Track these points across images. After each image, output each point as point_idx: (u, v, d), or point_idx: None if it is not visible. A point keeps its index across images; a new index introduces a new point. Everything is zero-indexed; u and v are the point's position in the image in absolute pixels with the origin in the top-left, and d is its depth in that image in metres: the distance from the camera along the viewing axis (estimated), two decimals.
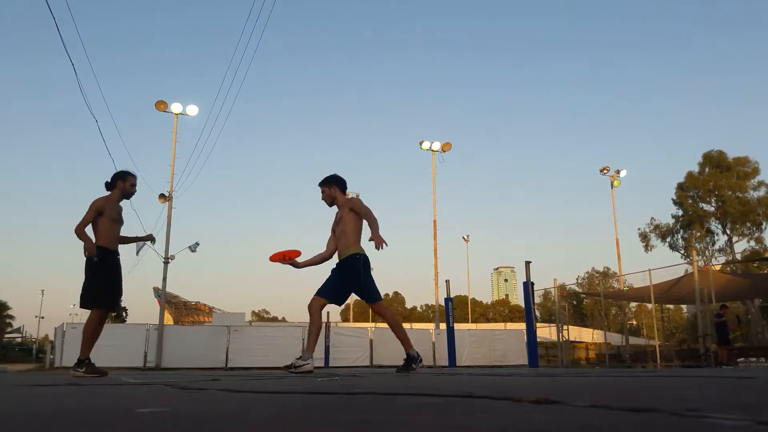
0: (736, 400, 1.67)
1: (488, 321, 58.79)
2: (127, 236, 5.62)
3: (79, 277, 5.21)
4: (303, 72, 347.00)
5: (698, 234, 33.69)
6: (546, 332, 23.96)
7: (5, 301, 53.76)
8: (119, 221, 5.41)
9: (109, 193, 5.44)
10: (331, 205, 5.49)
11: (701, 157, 34.53)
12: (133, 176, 5.56)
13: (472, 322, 47.27)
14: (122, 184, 5.46)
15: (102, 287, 5.17)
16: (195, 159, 42.76)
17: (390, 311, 5.48)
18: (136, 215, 22.88)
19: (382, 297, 5.49)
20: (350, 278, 5.15)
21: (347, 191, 5.73)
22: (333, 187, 5.43)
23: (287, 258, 5.36)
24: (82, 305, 5.20)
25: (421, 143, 24.06)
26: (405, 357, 5.15)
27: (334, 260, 5.42)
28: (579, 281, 48.18)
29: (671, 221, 35.33)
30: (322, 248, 5.53)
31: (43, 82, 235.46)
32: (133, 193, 5.57)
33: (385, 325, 5.81)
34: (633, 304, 37.25)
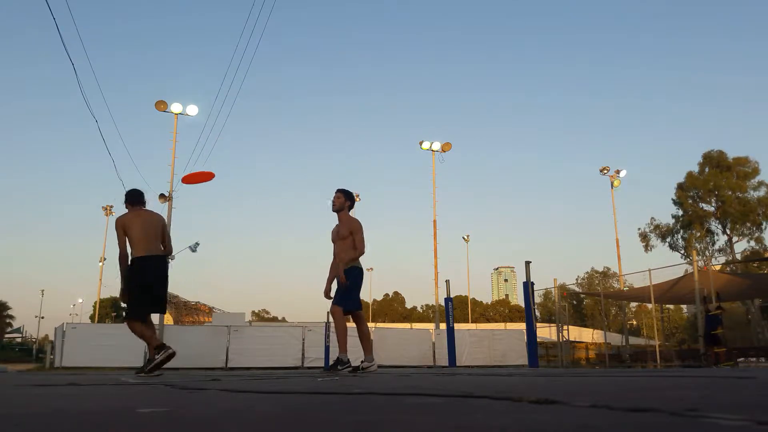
0: (736, 400, 1.67)
1: (488, 321, 58.79)
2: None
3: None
4: (303, 72, 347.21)
5: (698, 234, 33.69)
6: (546, 332, 23.96)
7: (5, 301, 53.89)
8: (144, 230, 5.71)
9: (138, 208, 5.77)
10: (335, 212, 5.94)
11: (701, 157, 34.57)
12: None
13: (472, 322, 47.23)
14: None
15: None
16: (195, 159, 42.70)
17: (363, 320, 5.99)
18: None
19: (361, 306, 5.97)
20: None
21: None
22: (347, 202, 5.96)
23: (199, 180, 5.90)
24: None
25: (421, 143, 24.04)
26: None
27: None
28: (579, 281, 48.21)
29: (671, 221, 35.37)
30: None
31: (43, 82, 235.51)
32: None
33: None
34: (633, 304, 37.26)
